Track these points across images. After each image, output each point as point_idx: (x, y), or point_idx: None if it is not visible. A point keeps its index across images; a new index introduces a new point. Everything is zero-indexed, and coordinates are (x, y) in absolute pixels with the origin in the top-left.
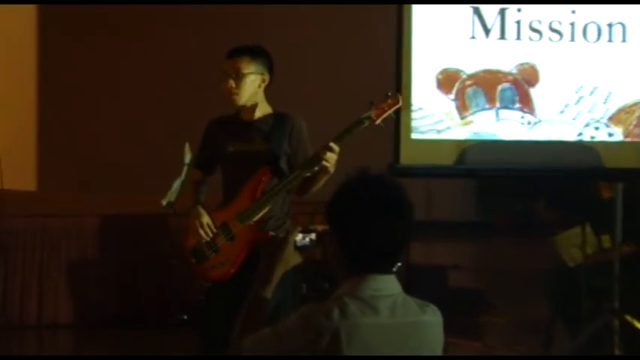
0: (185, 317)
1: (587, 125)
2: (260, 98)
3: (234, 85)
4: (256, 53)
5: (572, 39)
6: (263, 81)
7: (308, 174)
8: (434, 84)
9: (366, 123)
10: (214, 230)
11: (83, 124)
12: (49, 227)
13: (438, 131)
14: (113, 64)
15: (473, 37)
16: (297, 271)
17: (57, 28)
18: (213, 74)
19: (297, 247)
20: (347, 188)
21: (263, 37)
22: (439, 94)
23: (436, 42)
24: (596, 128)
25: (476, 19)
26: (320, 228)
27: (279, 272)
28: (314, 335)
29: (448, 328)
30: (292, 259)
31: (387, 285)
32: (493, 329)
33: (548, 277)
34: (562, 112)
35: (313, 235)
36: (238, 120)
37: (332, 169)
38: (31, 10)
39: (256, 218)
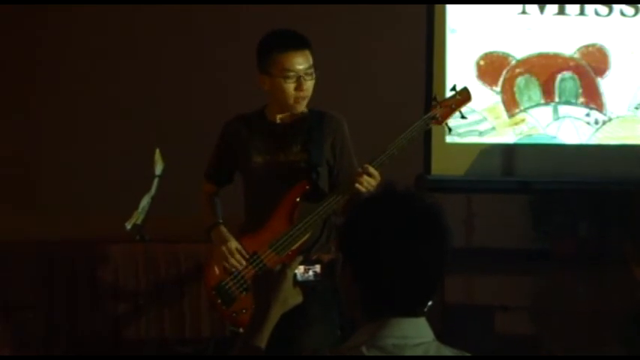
0: None
1: None
2: None
3: (307, 88)
4: (308, 42)
5: None
6: None
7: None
8: (473, 72)
9: (431, 125)
10: (246, 257)
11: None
12: None
13: (480, 133)
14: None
15: (524, 12)
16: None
17: None
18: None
19: (297, 283)
20: (366, 208)
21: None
22: (480, 86)
23: (477, 19)
24: None
25: None
26: (326, 258)
27: (275, 315)
28: None
29: None
30: (292, 297)
31: (416, 331)
32: None
33: (625, 321)
34: (638, 107)
35: (318, 268)
36: (266, 122)
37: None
38: None
39: (294, 247)
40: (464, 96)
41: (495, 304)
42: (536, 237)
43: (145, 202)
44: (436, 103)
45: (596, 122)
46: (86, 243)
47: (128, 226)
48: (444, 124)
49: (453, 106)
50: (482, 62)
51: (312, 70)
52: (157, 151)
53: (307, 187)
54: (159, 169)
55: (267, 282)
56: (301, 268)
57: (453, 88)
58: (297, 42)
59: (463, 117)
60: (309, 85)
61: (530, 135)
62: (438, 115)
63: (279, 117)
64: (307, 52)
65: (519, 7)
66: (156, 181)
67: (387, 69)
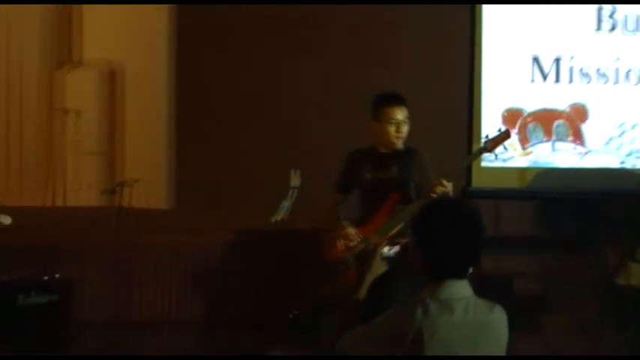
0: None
1: (629, 155)
2: None
3: (404, 131)
4: (405, 100)
5: (617, 82)
6: None
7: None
8: (500, 120)
9: (484, 153)
10: (360, 237)
11: (220, 143)
12: (178, 244)
13: (504, 160)
14: (256, 76)
15: (532, 81)
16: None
17: (194, 33)
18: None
19: (383, 258)
20: (430, 209)
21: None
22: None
23: (502, 85)
24: (638, 157)
25: (535, 66)
26: (403, 241)
27: (369, 279)
28: (400, 332)
29: (513, 325)
30: (379, 268)
31: (462, 289)
32: (552, 327)
33: (597, 285)
34: (607, 143)
35: (397, 247)
36: (375, 152)
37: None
38: (165, 10)
39: (392, 233)
40: (506, 134)
41: (515, 272)
42: (541, 228)
43: (285, 204)
44: (488, 139)
45: (580, 153)
46: (234, 232)
47: (272, 220)
48: (492, 152)
49: (498, 140)
50: (505, 114)
51: (407, 120)
52: (295, 171)
53: (398, 196)
54: (294, 182)
55: (364, 257)
56: (386, 248)
57: (499, 130)
58: (399, 100)
59: (505, 148)
60: (404, 129)
61: (536, 162)
62: (489, 147)
63: (383, 150)
64: (404, 107)
65: (530, 77)
66: (292, 191)
67: (437, 118)
